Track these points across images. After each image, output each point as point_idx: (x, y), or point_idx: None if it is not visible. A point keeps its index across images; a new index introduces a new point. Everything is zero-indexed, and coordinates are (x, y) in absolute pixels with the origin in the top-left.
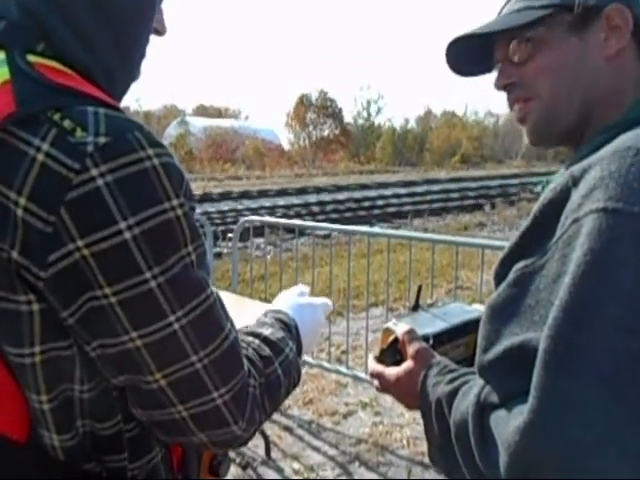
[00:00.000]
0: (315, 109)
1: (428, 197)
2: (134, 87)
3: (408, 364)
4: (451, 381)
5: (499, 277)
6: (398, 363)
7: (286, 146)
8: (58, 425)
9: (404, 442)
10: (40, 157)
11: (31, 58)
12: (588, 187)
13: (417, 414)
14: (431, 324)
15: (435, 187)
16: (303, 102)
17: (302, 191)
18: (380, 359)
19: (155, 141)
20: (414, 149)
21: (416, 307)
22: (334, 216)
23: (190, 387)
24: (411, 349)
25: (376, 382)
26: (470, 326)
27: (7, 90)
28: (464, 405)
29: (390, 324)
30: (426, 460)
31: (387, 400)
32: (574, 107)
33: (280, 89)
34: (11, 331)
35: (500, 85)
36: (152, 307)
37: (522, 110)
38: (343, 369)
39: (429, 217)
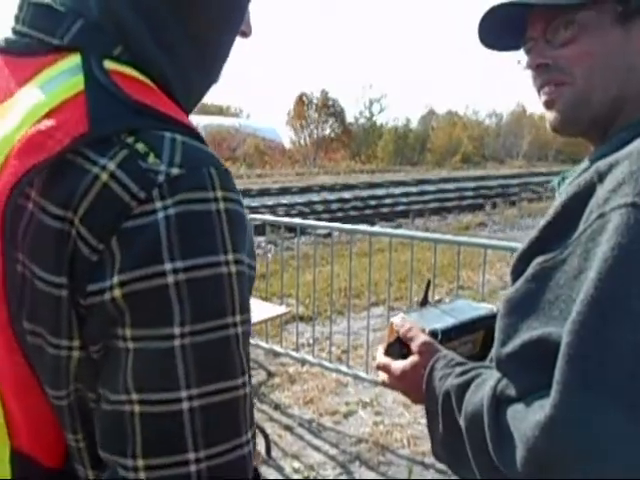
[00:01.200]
0: (316, 108)
1: (429, 196)
2: None
3: (413, 358)
4: (461, 374)
5: (517, 272)
6: (404, 358)
7: (287, 145)
8: (94, 460)
9: (405, 442)
10: (104, 177)
11: (108, 65)
12: (616, 182)
13: (418, 414)
14: (439, 320)
15: (436, 187)
16: (303, 101)
17: (305, 190)
18: (386, 353)
19: (229, 183)
20: (415, 149)
21: (424, 302)
22: (338, 215)
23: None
24: (416, 343)
25: (382, 376)
26: (478, 323)
27: (80, 103)
28: (478, 398)
29: (395, 319)
30: (427, 460)
31: (388, 400)
32: (607, 99)
33: (282, 88)
34: (49, 372)
35: (533, 64)
36: (166, 372)
37: (552, 94)
38: (344, 368)
39: (430, 216)
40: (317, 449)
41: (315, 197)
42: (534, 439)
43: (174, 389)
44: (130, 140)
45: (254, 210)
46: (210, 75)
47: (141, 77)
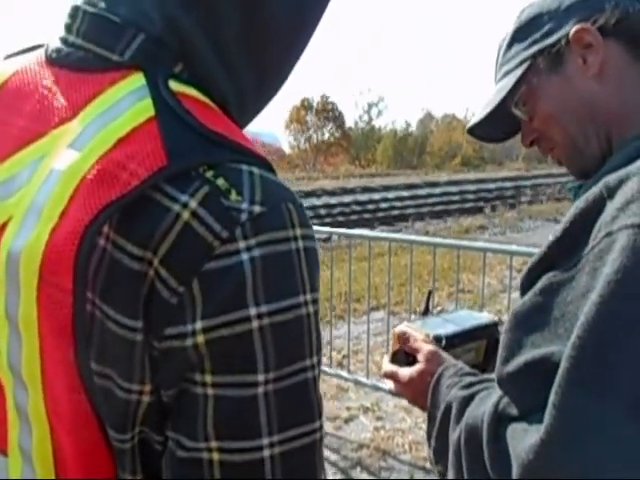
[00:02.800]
0: (316, 112)
1: (429, 200)
2: None
3: (420, 365)
4: (468, 386)
5: (526, 286)
6: (411, 363)
7: (287, 149)
8: None
9: (406, 447)
10: (185, 215)
11: (173, 86)
12: (625, 199)
13: (419, 419)
14: (443, 327)
15: (436, 190)
16: (304, 106)
17: (307, 194)
18: (393, 361)
19: (305, 219)
20: (414, 152)
21: (426, 311)
22: (338, 219)
23: None
24: (422, 352)
25: (389, 384)
26: (481, 331)
27: (153, 132)
28: (480, 411)
29: (397, 329)
30: (428, 465)
31: (389, 405)
32: (591, 137)
33: (281, 92)
34: (116, 415)
35: (526, 144)
36: (249, 420)
37: (554, 158)
38: (344, 373)
39: (430, 220)
40: None
41: (315, 201)
42: (528, 461)
43: (256, 437)
44: (210, 175)
45: None
46: (265, 100)
47: (205, 99)
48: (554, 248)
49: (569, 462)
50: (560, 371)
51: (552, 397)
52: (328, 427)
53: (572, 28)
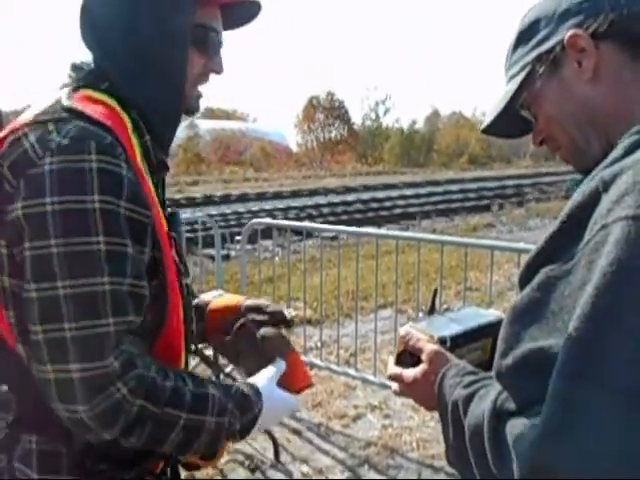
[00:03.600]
0: (323, 110)
1: (436, 198)
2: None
3: (424, 366)
4: (469, 384)
5: (524, 280)
6: (416, 364)
7: (294, 148)
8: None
9: (414, 445)
10: (26, 144)
11: (83, 91)
12: (619, 192)
13: (427, 416)
14: (447, 327)
15: (443, 188)
16: (313, 104)
17: (313, 193)
18: (397, 363)
19: (103, 151)
20: (421, 150)
21: (432, 311)
22: (343, 218)
23: (56, 351)
24: (426, 352)
25: (394, 385)
26: (486, 330)
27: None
28: (480, 410)
29: (401, 330)
30: (436, 463)
31: (396, 403)
32: (591, 139)
33: (287, 91)
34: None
35: (536, 143)
36: (48, 266)
37: (561, 157)
38: (352, 371)
39: (437, 218)
40: (326, 453)
41: (322, 200)
42: (528, 456)
43: (53, 280)
44: (51, 126)
45: (258, 214)
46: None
47: (100, 97)
48: (551, 242)
49: (567, 454)
50: (557, 363)
51: (549, 389)
52: (336, 425)
53: (567, 33)
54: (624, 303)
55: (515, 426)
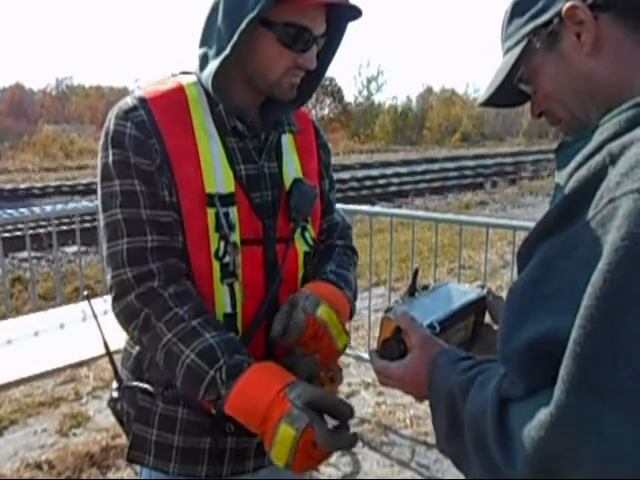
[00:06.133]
0: None
1: (428, 176)
2: (134, 67)
3: (414, 354)
4: (464, 371)
5: (524, 258)
6: (403, 354)
7: None
8: None
9: (407, 422)
10: None
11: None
12: (628, 165)
13: None
14: (432, 311)
15: (435, 166)
16: None
17: None
18: (382, 352)
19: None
20: (414, 128)
21: (412, 292)
22: (337, 195)
23: (103, 261)
24: (415, 338)
25: (382, 379)
26: (469, 308)
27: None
28: (481, 397)
29: (390, 314)
30: (429, 440)
31: None
32: (592, 113)
33: None
34: None
35: (535, 116)
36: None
37: (561, 129)
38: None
39: (430, 196)
40: None
41: None
42: (539, 439)
43: (104, 210)
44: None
45: None
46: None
47: (180, 78)
48: (553, 218)
49: (584, 437)
50: (569, 344)
51: (562, 371)
52: None
53: (564, 5)
54: (638, 278)
55: (523, 410)
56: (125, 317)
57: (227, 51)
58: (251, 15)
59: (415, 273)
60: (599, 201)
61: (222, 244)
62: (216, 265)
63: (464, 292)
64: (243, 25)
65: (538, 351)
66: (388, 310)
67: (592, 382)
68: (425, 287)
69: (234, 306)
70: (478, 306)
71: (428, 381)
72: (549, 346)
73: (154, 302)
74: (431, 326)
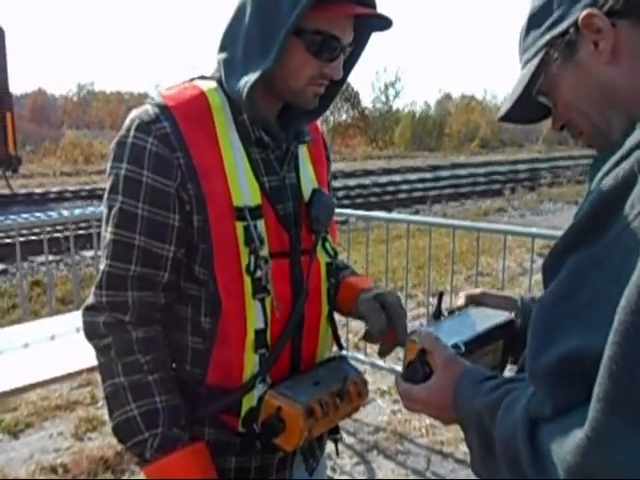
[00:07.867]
0: None
1: (447, 182)
2: (154, 73)
3: (438, 375)
4: (490, 391)
5: (550, 269)
6: (427, 376)
7: None
8: None
9: (423, 430)
10: None
11: (205, 83)
12: None
13: None
14: (458, 332)
15: (455, 172)
16: None
17: None
18: (406, 375)
19: (132, 125)
20: (432, 134)
21: (438, 315)
22: (357, 201)
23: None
24: (440, 358)
25: (406, 403)
26: (497, 332)
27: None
28: (511, 419)
29: (414, 337)
30: (445, 449)
31: None
32: (613, 122)
33: None
34: None
35: (556, 129)
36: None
37: (584, 142)
38: (361, 356)
39: (448, 202)
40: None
41: (335, 183)
42: (575, 463)
43: (105, 229)
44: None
45: None
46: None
47: (202, 84)
48: (581, 229)
49: (622, 459)
50: (604, 360)
51: (596, 389)
52: None
53: (581, 14)
54: None
55: (555, 432)
56: (89, 331)
57: (268, 65)
58: (287, 25)
59: (440, 297)
60: (630, 210)
61: (252, 258)
62: (247, 280)
63: (491, 316)
64: (282, 37)
65: (569, 368)
66: (413, 333)
67: (630, 402)
68: (451, 311)
69: (266, 322)
70: (506, 330)
71: (454, 402)
72: (580, 362)
73: (120, 337)
74: (456, 346)
